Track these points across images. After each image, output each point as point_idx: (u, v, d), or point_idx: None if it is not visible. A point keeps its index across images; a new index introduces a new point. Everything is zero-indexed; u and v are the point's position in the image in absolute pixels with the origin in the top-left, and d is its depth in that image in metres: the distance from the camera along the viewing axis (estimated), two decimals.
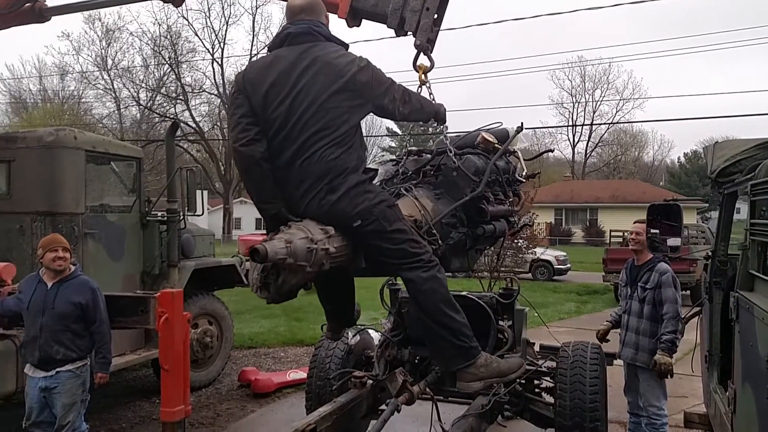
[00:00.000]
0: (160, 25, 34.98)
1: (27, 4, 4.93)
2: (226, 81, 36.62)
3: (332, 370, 4.97)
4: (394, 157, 4.16)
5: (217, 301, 7.70)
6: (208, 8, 36.18)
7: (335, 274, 3.05)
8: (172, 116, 34.90)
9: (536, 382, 4.92)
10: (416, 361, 5.09)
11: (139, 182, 6.80)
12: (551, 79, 62.74)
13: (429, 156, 3.95)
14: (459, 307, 3.04)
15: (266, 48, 3.09)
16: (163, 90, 36.33)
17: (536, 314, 6.81)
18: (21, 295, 4.52)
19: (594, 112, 56.66)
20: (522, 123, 4.20)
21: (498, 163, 3.95)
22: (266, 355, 9.23)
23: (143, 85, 36.89)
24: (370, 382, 4.43)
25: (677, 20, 65.80)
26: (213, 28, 35.96)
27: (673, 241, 4.44)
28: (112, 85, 37.90)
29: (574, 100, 57.04)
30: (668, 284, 4.79)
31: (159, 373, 5.76)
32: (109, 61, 37.39)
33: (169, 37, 35.23)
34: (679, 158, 63.88)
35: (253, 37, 35.17)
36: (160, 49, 35.29)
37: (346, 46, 3.03)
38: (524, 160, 4.34)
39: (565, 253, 21.88)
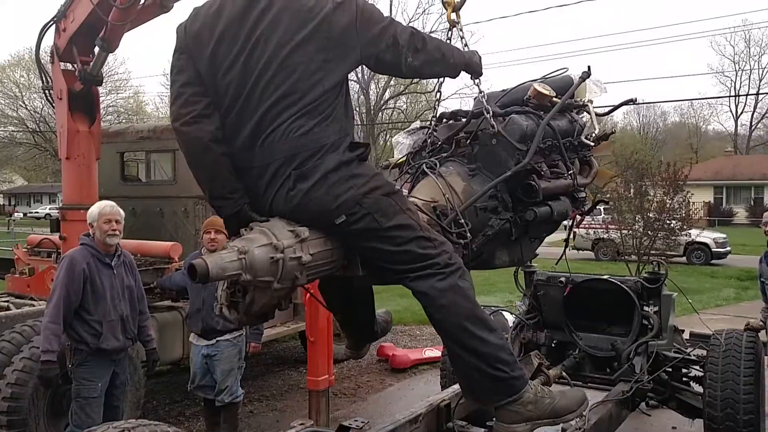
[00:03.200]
0: None
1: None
2: (365, 70, 37.56)
3: None
4: (424, 123, 3.30)
5: None
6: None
7: (338, 279, 2.44)
8: None
9: (684, 370, 4.65)
10: (553, 345, 5.02)
11: None
12: (711, 45, 57.28)
13: (464, 120, 3.05)
14: (493, 324, 2.32)
15: None
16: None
17: (687, 300, 6.38)
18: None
19: (760, 80, 51.01)
20: (589, 67, 3.23)
21: (557, 123, 3.04)
22: (402, 332, 9.51)
23: None
24: None
25: None
26: None
27: None
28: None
29: (737, 68, 51.73)
30: None
31: (306, 344, 6.17)
32: None
33: None
34: None
35: None
36: None
37: None
38: (599, 115, 3.34)
39: (724, 235, 20.13)
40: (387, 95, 36.98)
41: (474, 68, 2.63)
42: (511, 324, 5.21)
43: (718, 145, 54.43)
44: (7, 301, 5.49)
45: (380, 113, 36.91)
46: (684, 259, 18.88)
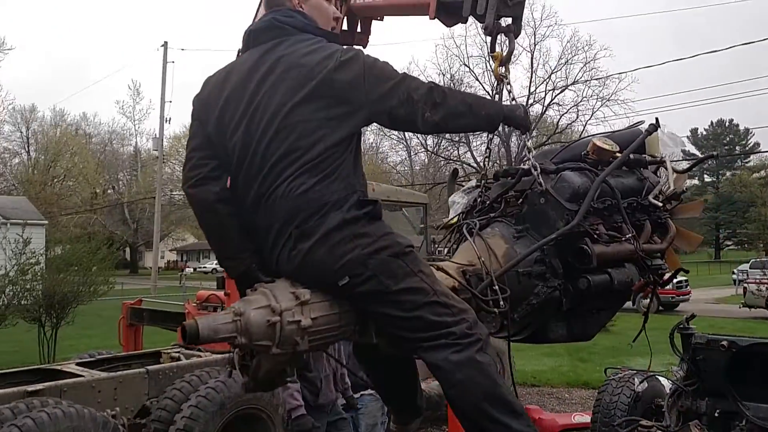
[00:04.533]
0: (444, 75, 37.50)
1: None
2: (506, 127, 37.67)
3: (617, 417, 4.75)
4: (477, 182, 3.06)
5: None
6: (488, 53, 37.54)
7: (370, 347, 2.27)
8: (455, 158, 36.98)
9: None
10: (716, 414, 4.59)
11: (425, 225, 7.49)
12: None
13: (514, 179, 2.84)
14: (518, 406, 2.06)
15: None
16: (447, 135, 38.81)
17: None
18: None
19: None
20: (657, 119, 2.95)
21: (621, 181, 2.78)
22: (549, 394, 9.11)
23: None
24: None
25: None
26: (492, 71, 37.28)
27: None
28: (404, 135, 41.81)
29: None
30: None
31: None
32: None
33: (452, 84, 37.71)
34: None
35: (532, 74, 35.53)
36: None
37: (330, 37, 2.23)
38: (678, 172, 3.02)
39: None
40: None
41: (518, 122, 2.40)
42: (668, 390, 4.86)
43: None
44: (179, 353, 6.07)
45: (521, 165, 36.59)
46: None
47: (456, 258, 2.56)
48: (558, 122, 35.68)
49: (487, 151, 3.01)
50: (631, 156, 2.83)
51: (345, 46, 2.15)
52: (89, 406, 4.23)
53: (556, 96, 34.45)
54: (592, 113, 33.68)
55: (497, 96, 2.76)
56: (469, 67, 36.46)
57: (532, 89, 35.66)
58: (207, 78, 2.29)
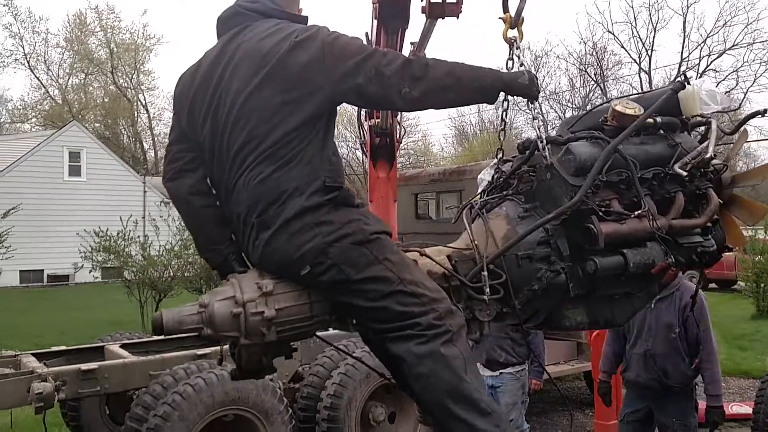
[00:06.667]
0: (585, 43, 35.70)
1: None
2: (653, 89, 35.29)
3: None
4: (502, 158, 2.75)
5: None
6: (635, 18, 34.94)
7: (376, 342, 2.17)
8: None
9: None
10: None
11: None
12: None
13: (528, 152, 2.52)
14: (488, 404, 1.94)
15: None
16: (588, 107, 37.10)
17: None
18: None
19: None
20: (685, 75, 2.54)
21: (646, 148, 2.43)
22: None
23: (569, 105, 38.22)
24: None
25: None
26: (639, 37, 34.65)
27: None
28: (540, 109, 40.47)
29: None
30: None
31: (592, 385, 5.97)
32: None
33: (594, 53, 35.79)
34: None
35: (684, 39, 32.72)
36: (586, 66, 36.08)
37: (296, 19, 2.13)
38: (726, 134, 2.61)
39: None
40: None
41: (520, 89, 2.18)
42: None
43: None
44: None
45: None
46: None
47: (457, 241, 2.39)
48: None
49: (502, 123, 2.63)
50: (659, 120, 2.46)
51: (303, 26, 2.08)
52: None
53: (712, 62, 31.43)
54: (755, 79, 30.31)
55: (510, 61, 2.48)
56: (613, 34, 34.25)
57: (685, 55, 32.98)
58: (182, 73, 2.26)
